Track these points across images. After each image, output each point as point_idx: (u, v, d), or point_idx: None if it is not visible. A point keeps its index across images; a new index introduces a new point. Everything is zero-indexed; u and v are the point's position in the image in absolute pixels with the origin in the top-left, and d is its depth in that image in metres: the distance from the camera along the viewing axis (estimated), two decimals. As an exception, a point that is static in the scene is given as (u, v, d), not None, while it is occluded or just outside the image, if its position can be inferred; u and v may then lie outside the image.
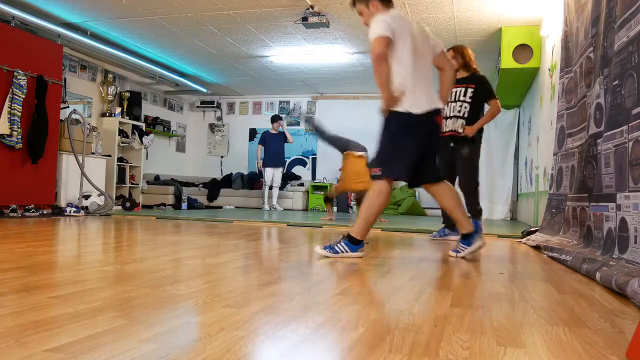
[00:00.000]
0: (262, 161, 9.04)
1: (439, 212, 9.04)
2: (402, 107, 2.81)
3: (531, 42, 6.10)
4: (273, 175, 9.04)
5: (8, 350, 1.07)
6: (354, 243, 2.88)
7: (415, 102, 2.81)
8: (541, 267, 2.83)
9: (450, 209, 3.04)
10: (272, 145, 8.98)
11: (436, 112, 2.91)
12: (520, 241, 4.27)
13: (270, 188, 9.18)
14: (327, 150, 10.50)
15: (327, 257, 2.86)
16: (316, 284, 2.05)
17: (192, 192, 9.56)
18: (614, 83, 2.64)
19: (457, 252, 3.08)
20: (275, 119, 9.04)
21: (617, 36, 2.63)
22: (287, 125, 10.76)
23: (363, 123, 10.19)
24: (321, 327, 1.36)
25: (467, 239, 3.04)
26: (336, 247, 2.88)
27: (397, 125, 2.86)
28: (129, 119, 8.43)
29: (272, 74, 8.96)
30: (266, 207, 9.26)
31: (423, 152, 2.89)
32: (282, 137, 9.00)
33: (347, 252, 2.86)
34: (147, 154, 9.28)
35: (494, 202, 8.58)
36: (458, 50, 4.22)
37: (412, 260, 2.89)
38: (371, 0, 2.93)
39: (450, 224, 4.22)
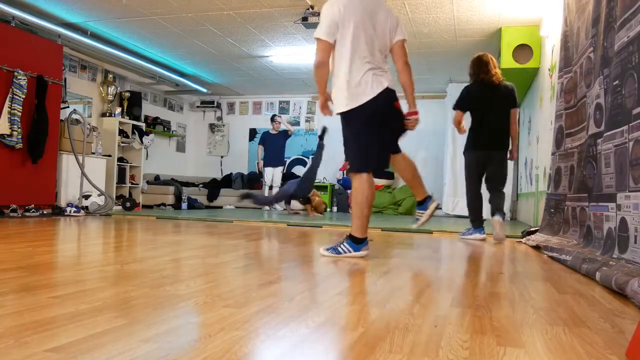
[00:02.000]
0: (262, 161, 9.04)
1: (438, 212, 9.08)
2: (343, 107, 2.81)
3: (531, 42, 6.10)
4: (273, 175, 9.03)
5: (8, 350, 1.07)
6: (356, 242, 2.88)
7: (356, 98, 2.78)
8: (541, 267, 2.83)
9: (407, 179, 3.10)
10: (272, 145, 8.96)
11: (387, 94, 2.82)
12: (520, 241, 4.27)
13: (270, 188, 9.17)
14: (328, 151, 10.53)
15: (328, 256, 2.88)
16: (316, 284, 2.05)
17: (192, 192, 9.56)
18: (614, 83, 2.64)
19: (417, 220, 3.17)
20: (273, 118, 9.01)
21: (617, 36, 2.63)
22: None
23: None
24: (321, 327, 1.36)
25: (422, 204, 3.12)
26: (339, 248, 2.89)
27: (347, 124, 2.86)
28: (129, 119, 8.43)
29: (272, 74, 8.96)
30: (266, 207, 9.25)
31: (380, 132, 2.85)
32: (282, 137, 8.98)
33: (350, 251, 2.87)
34: (147, 154, 9.28)
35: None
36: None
37: (412, 260, 2.89)
38: None
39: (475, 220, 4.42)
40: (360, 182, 2.83)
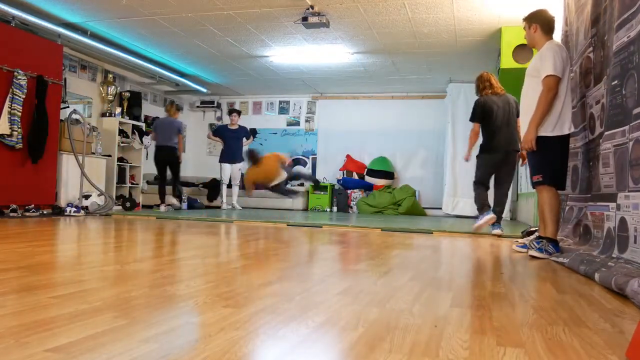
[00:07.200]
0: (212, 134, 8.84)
1: (438, 212, 9.09)
2: (555, 132, 3.16)
3: (531, 42, 6.08)
4: (231, 171, 8.63)
5: (8, 350, 1.07)
6: (556, 244, 3.20)
7: (563, 125, 3.17)
8: (541, 267, 2.83)
9: (541, 212, 3.35)
10: (229, 141, 8.61)
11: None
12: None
13: (230, 186, 8.74)
14: (327, 151, 10.53)
15: (540, 258, 3.16)
16: (316, 284, 2.05)
17: (192, 192, 9.55)
18: (613, 83, 2.64)
19: (525, 247, 3.49)
20: (231, 112, 8.75)
21: (616, 36, 2.63)
22: (287, 124, 10.74)
23: (363, 123, 10.21)
24: (321, 327, 1.36)
25: (553, 242, 3.25)
26: (548, 249, 3.18)
27: (553, 145, 3.20)
28: (129, 119, 8.43)
29: (272, 74, 8.96)
30: (225, 205, 8.77)
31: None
32: (241, 133, 8.69)
33: (555, 252, 3.16)
34: (147, 154, 9.27)
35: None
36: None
37: (412, 260, 2.89)
38: (533, 23, 3.31)
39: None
40: (552, 192, 3.22)
